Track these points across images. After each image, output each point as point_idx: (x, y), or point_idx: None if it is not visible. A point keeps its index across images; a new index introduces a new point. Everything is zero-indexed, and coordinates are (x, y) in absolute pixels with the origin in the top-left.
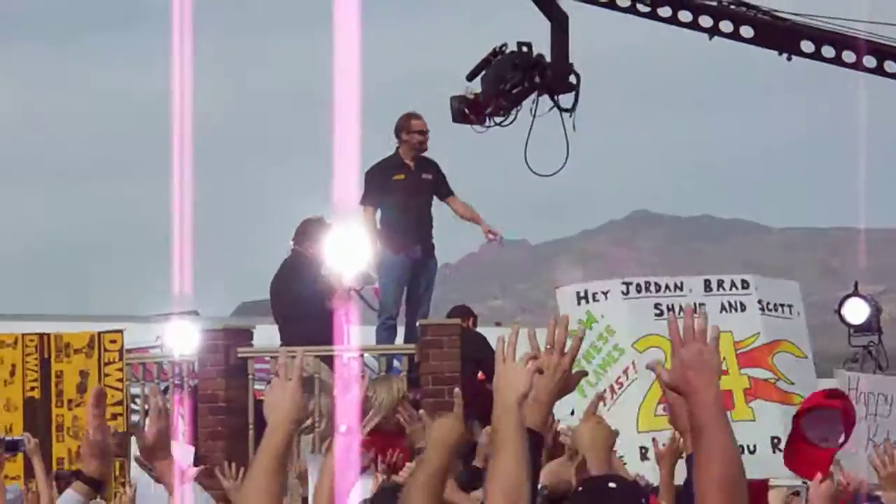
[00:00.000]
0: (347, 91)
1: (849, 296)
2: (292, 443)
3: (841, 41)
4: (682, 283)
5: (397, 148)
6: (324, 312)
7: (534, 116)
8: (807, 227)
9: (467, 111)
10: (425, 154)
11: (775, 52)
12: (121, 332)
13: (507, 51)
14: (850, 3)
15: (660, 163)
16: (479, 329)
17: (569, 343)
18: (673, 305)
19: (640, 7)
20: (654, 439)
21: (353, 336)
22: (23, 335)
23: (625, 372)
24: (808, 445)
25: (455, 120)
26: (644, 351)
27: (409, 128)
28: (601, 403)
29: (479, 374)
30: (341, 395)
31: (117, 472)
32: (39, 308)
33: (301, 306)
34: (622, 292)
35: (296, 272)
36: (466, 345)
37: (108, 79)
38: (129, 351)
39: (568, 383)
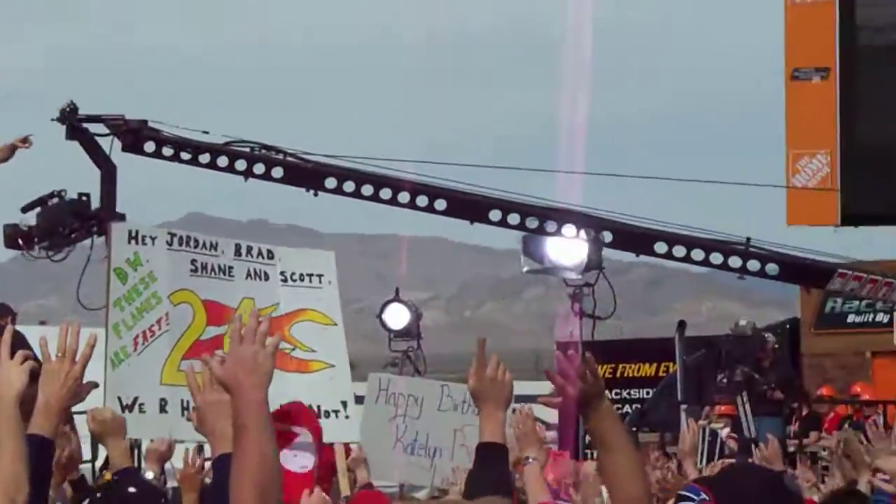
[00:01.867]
0: None
1: (390, 301)
2: None
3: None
4: (216, 244)
5: None
6: None
7: (88, 259)
8: (357, 234)
9: (20, 241)
10: None
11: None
12: None
13: (67, 197)
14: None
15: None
16: (21, 328)
17: (81, 350)
18: (207, 264)
19: (183, 155)
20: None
21: None
22: None
23: (158, 321)
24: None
25: (7, 245)
26: (177, 304)
27: None
28: (133, 348)
29: None
30: None
31: None
32: None
33: None
34: (167, 242)
35: None
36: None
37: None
38: None
39: (79, 391)
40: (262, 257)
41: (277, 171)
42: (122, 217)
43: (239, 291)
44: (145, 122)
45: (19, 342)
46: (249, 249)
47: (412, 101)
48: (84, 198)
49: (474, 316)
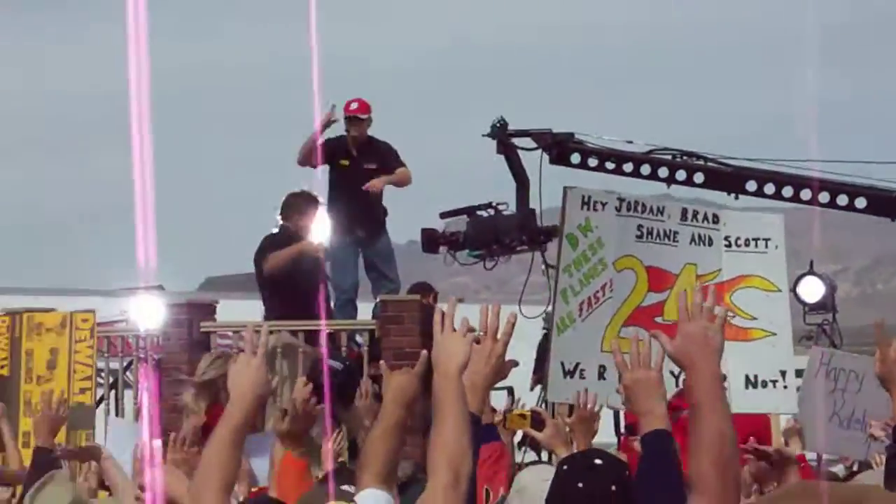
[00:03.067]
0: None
1: (804, 274)
2: (253, 417)
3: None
4: (663, 208)
5: (347, 131)
6: (309, 286)
7: (529, 272)
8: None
9: (442, 246)
10: (372, 137)
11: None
12: (93, 312)
13: (506, 212)
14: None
15: None
16: (439, 305)
17: (502, 329)
18: (652, 229)
19: (608, 165)
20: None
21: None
22: None
23: (602, 288)
24: None
25: (425, 250)
26: (621, 271)
27: (349, 122)
28: (578, 314)
29: None
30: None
31: (83, 443)
32: (6, 281)
33: (285, 280)
34: (616, 207)
35: (281, 246)
36: (427, 321)
37: (63, 49)
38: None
39: (502, 369)
40: (708, 221)
41: (699, 177)
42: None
43: (682, 257)
44: (571, 134)
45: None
46: (695, 214)
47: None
48: (527, 214)
49: (886, 289)
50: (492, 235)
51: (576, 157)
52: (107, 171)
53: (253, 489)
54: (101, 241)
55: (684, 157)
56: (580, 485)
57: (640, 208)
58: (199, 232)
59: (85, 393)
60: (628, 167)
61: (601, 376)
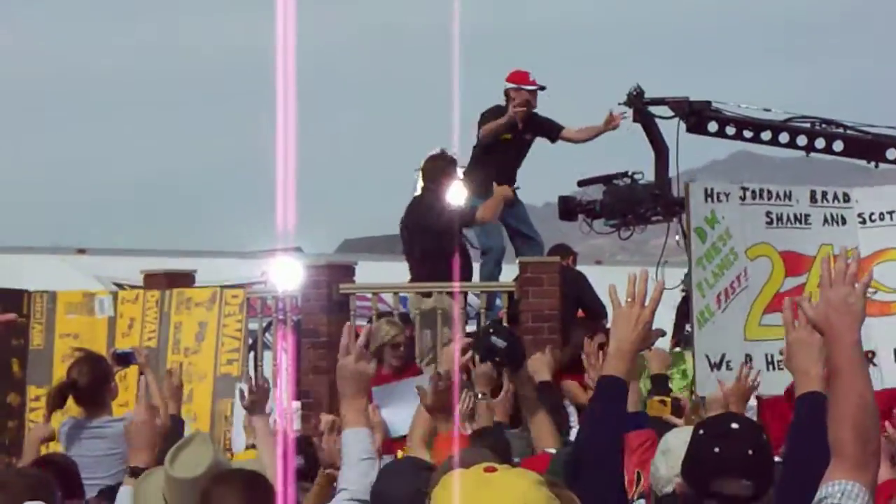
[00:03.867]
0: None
1: None
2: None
3: None
4: (790, 193)
5: (507, 103)
6: (456, 249)
7: (666, 239)
8: None
9: (580, 214)
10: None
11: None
12: (243, 288)
13: (642, 181)
14: None
15: None
16: (578, 267)
17: (650, 295)
18: (782, 215)
19: (745, 133)
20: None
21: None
22: (144, 291)
23: (738, 278)
24: None
25: (563, 218)
26: (754, 259)
27: (516, 97)
28: (717, 306)
29: (580, 312)
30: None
31: (228, 413)
32: (144, 242)
33: (436, 242)
34: (739, 197)
35: (429, 210)
36: (566, 283)
37: (206, 11)
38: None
39: (648, 335)
40: (839, 201)
41: (838, 145)
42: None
43: (816, 239)
44: (708, 102)
45: (577, 280)
46: (825, 195)
47: None
48: (659, 183)
49: None
50: (627, 205)
51: (713, 126)
52: (245, 131)
53: (388, 440)
54: (239, 202)
55: (823, 125)
56: (716, 449)
57: (766, 195)
58: (337, 194)
59: (233, 364)
60: (766, 135)
61: (771, 366)
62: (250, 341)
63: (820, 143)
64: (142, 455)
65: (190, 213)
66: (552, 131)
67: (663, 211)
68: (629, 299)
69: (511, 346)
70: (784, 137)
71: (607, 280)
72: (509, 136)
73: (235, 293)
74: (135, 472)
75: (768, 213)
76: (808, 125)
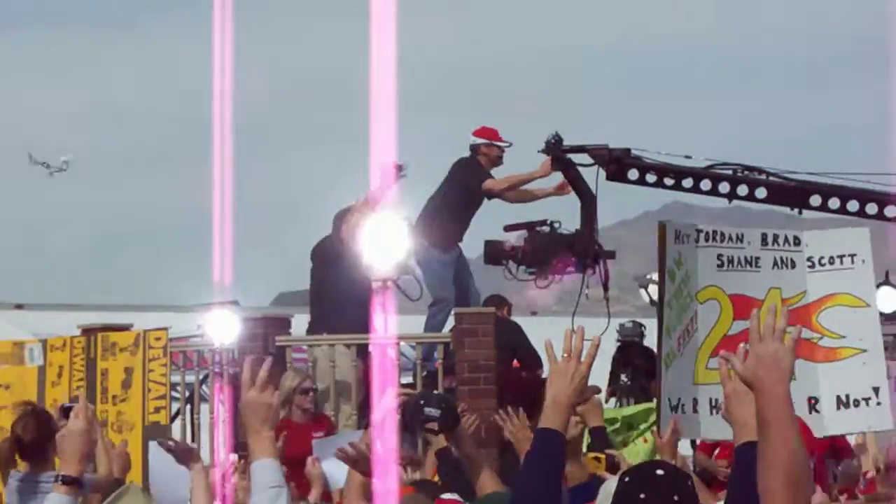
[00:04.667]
0: (385, 78)
1: (880, 284)
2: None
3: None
4: (742, 235)
5: (474, 154)
6: (361, 300)
7: (580, 295)
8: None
9: (504, 260)
10: None
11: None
12: (165, 329)
13: (559, 230)
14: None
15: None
16: (514, 318)
17: (586, 350)
18: (733, 257)
19: (666, 181)
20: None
21: (391, 325)
22: (71, 338)
23: (691, 320)
24: None
25: (487, 262)
26: (704, 302)
27: (489, 152)
28: (678, 348)
29: (515, 362)
30: (378, 386)
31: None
32: (82, 298)
33: (337, 293)
34: (695, 239)
35: (333, 259)
36: (501, 333)
37: (146, 64)
38: (170, 340)
39: (584, 390)
40: (790, 244)
41: (761, 192)
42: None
43: (765, 282)
44: (628, 150)
45: (512, 331)
46: (776, 237)
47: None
48: (576, 232)
49: None
50: (544, 254)
51: (633, 174)
52: (180, 186)
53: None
54: (175, 257)
55: (745, 172)
56: (642, 495)
57: (718, 237)
58: (272, 247)
59: (160, 412)
60: (688, 182)
61: (694, 409)
62: (187, 394)
63: (742, 189)
64: (72, 465)
65: (127, 267)
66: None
67: (577, 262)
68: (565, 354)
69: (445, 413)
70: (706, 185)
71: (543, 331)
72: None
73: (158, 335)
74: (66, 481)
75: (720, 256)
76: (729, 172)
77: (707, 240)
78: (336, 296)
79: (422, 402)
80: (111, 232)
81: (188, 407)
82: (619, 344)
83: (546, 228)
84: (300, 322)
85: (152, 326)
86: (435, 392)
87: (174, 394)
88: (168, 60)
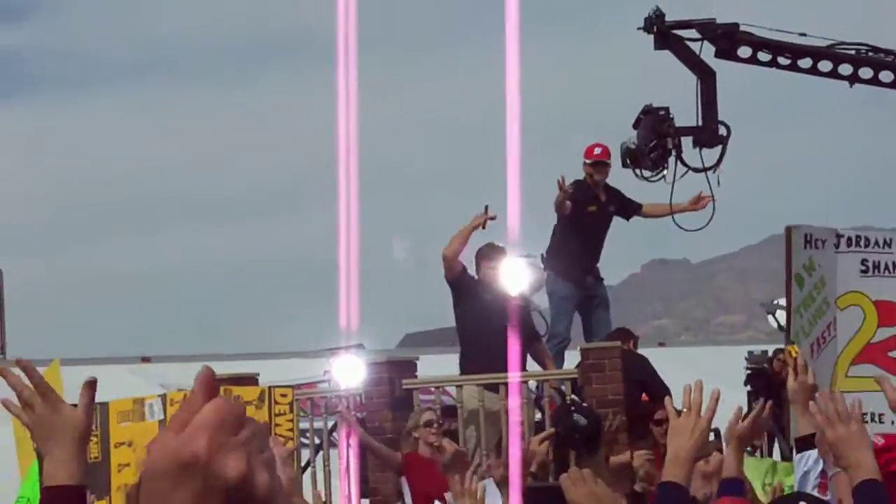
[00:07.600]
0: (515, 120)
1: None
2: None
3: None
4: (891, 241)
5: (587, 177)
6: (500, 336)
7: (673, 182)
8: None
9: (629, 161)
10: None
11: None
12: (291, 388)
13: (660, 112)
14: None
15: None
16: (641, 350)
17: (706, 404)
18: (879, 262)
19: (781, 60)
20: None
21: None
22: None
23: (827, 328)
24: None
25: (624, 165)
26: (844, 309)
27: (593, 167)
28: (811, 355)
29: (643, 396)
30: (514, 424)
31: None
32: (208, 347)
33: (476, 331)
34: (834, 244)
35: (470, 291)
36: (628, 367)
37: (269, 112)
38: (297, 386)
39: (706, 444)
40: None
41: (886, 76)
42: (718, 124)
43: None
44: (737, 25)
45: (639, 364)
46: None
47: None
48: (661, 112)
49: None
50: (641, 148)
51: (745, 51)
52: (305, 230)
53: None
54: (299, 302)
55: (870, 52)
56: None
57: (863, 242)
58: (398, 288)
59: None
60: (805, 63)
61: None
62: (317, 441)
63: (866, 72)
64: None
65: (251, 315)
66: (629, 207)
67: (661, 148)
68: (685, 409)
69: (592, 424)
70: (825, 66)
71: (671, 362)
72: (594, 207)
73: (284, 392)
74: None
75: (864, 261)
76: (852, 52)
77: (850, 245)
78: (481, 334)
79: (572, 408)
80: (233, 277)
81: (318, 454)
82: (748, 372)
83: (648, 116)
84: (426, 363)
85: (279, 377)
86: (585, 404)
87: (304, 440)
88: (286, 105)
